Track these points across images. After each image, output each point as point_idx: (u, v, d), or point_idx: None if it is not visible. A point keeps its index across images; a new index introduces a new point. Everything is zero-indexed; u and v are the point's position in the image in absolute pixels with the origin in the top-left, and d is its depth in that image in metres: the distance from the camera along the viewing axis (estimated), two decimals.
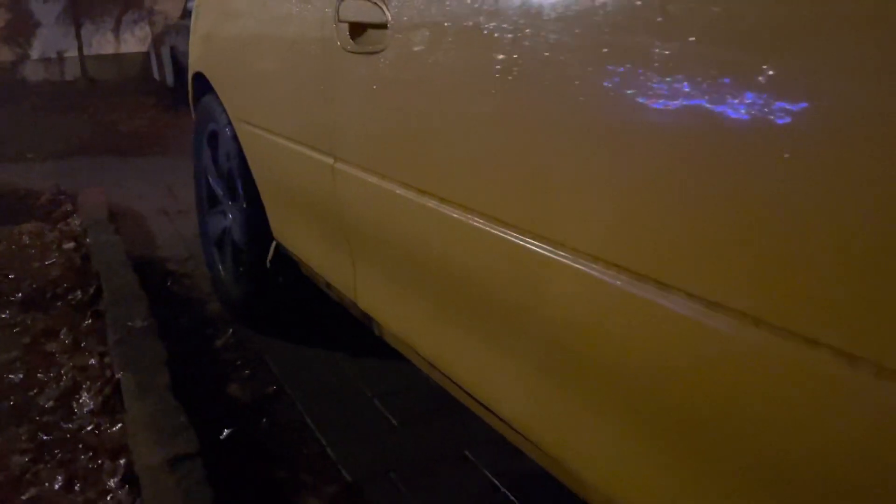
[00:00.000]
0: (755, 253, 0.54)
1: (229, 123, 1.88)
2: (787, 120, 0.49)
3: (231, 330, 2.07)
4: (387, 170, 1.10)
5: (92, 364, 1.68)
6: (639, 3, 0.62)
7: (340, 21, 1.18)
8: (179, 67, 5.87)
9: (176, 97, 6.12)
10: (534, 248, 0.79)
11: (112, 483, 1.22)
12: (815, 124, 0.49)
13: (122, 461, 1.26)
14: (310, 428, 1.58)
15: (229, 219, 2.05)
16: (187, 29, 2.31)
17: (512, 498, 1.32)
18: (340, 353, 1.90)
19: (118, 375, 1.54)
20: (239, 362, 1.89)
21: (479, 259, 0.92)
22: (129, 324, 1.80)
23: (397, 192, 1.07)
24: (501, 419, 0.97)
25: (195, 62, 2.15)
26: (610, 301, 0.70)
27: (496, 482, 1.37)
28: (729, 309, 0.56)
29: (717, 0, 0.56)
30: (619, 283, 0.67)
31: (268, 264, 1.84)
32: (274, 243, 1.81)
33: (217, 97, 1.94)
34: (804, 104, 0.49)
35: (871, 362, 0.46)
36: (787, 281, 0.52)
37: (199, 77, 2.10)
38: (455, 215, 0.93)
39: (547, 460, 0.90)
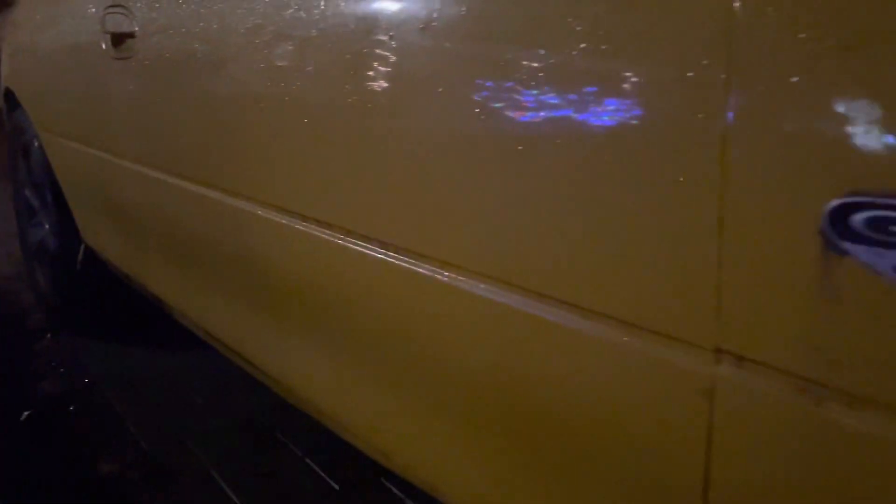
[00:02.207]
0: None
1: (36, 135, 1.97)
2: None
3: (49, 335, 2.14)
4: (147, 159, 1.27)
5: None
6: None
7: (106, 32, 1.34)
8: None
9: None
10: (258, 212, 0.97)
11: None
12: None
13: None
14: (116, 411, 1.70)
15: (45, 228, 2.13)
16: None
17: (296, 450, 1.50)
18: (154, 347, 2.02)
19: None
20: (54, 362, 1.97)
21: (217, 228, 1.10)
22: None
23: (157, 177, 1.24)
24: (261, 370, 1.15)
25: (5, 78, 2.22)
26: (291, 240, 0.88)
27: (283, 439, 1.54)
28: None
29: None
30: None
31: (78, 266, 1.94)
32: (83, 245, 1.92)
33: (24, 110, 2.03)
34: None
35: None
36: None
37: (10, 93, 2.17)
38: (195, 190, 1.12)
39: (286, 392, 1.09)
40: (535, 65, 0.53)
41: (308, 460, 1.47)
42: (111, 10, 1.31)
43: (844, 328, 0.38)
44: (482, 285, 0.61)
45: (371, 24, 0.70)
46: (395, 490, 1.34)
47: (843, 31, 0.36)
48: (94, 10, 1.43)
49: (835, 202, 0.36)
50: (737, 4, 0.40)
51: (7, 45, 2.23)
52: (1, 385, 1.74)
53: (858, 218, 0.35)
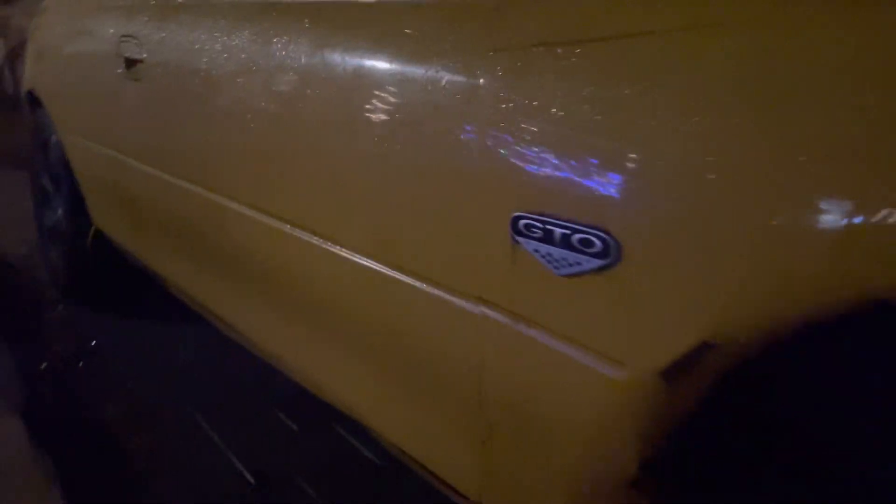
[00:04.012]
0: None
1: (55, 132, 2.29)
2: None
3: (61, 306, 2.46)
4: (148, 158, 1.59)
5: None
6: None
7: (119, 55, 1.66)
8: None
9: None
10: (218, 201, 1.30)
11: None
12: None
13: None
14: (118, 369, 2.02)
15: (58, 212, 2.45)
16: None
17: (266, 401, 1.82)
18: (152, 316, 2.33)
19: None
20: (65, 328, 2.29)
21: (201, 216, 1.43)
22: None
23: (156, 174, 1.56)
24: (236, 330, 1.48)
25: (28, 80, 2.54)
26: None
27: (256, 392, 1.86)
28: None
29: None
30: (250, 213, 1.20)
31: (89, 246, 2.26)
32: (93, 227, 2.24)
33: (45, 111, 2.35)
34: None
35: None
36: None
37: (31, 93, 2.49)
38: (174, 181, 1.44)
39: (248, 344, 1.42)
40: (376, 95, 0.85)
41: (275, 408, 1.79)
42: (125, 38, 1.63)
43: (520, 280, 0.70)
44: (362, 257, 0.93)
45: (299, 71, 1.02)
46: (342, 432, 1.67)
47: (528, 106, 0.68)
48: (112, 31, 1.75)
49: (513, 213, 0.68)
50: (481, 81, 0.72)
51: (30, 50, 2.55)
52: (23, 343, 2.07)
53: (521, 223, 0.68)
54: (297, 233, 1.05)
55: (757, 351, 0.52)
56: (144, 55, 1.54)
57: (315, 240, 1.02)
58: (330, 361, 1.14)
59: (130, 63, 1.62)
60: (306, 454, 1.62)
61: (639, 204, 0.57)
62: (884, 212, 0.43)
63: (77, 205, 2.25)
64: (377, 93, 0.87)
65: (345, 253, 0.97)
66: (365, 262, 0.93)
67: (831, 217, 0.45)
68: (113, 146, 1.81)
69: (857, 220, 0.44)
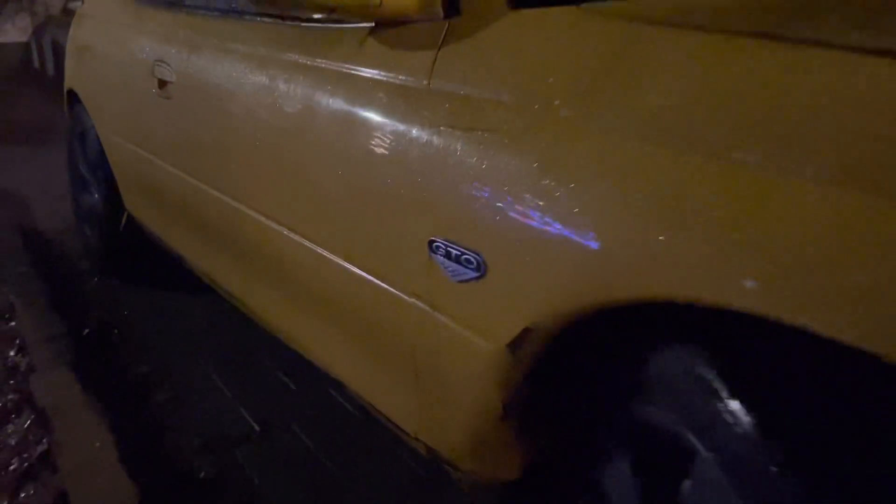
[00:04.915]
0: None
1: (93, 128, 2.64)
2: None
3: (96, 279, 2.83)
4: (175, 162, 1.94)
5: None
6: None
7: (154, 76, 2.00)
8: (60, 58, 6.33)
9: (56, 86, 6.56)
10: (227, 202, 1.65)
11: (11, 353, 2.00)
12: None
13: (16, 341, 2.04)
14: (146, 335, 2.38)
15: (95, 197, 2.80)
16: (67, 24, 2.99)
17: (271, 363, 2.18)
18: (175, 290, 2.69)
19: (11, 299, 2.30)
20: (100, 298, 2.66)
21: (212, 210, 1.77)
22: (15, 270, 2.55)
23: (177, 173, 1.91)
24: (241, 301, 1.83)
25: (68, 80, 2.87)
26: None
27: (261, 355, 2.22)
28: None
29: None
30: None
31: (121, 228, 2.62)
32: (126, 213, 2.59)
33: (84, 109, 2.69)
34: None
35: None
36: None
37: (70, 91, 2.84)
38: (194, 182, 1.79)
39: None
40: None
41: (276, 369, 2.15)
42: (158, 62, 1.97)
43: (434, 283, 1.04)
44: (337, 257, 1.28)
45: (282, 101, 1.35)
46: (331, 390, 2.02)
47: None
48: (147, 48, 2.08)
49: (430, 237, 1.02)
50: (415, 145, 1.06)
51: (71, 52, 2.88)
52: (69, 310, 2.44)
53: (434, 244, 1.02)
54: (289, 233, 1.40)
55: (561, 331, 0.86)
56: (174, 78, 1.88)
57: (304, 241, 1.37)
58: (314, 332, 1.50)
59: (162, 83, 1.96)
60: (301, 407, 1.98)
61: (496, 237, 0.91)
62: (618, 249, 0.77)
63: (112, 192, 2.60)
64: (352, 145, 1.20)
65: (324, 252, 1.32)
66: (338, 261, 1.28)
67: (585, 247, 0.79)
68: (145, 147, 2.16)
69: (603, 250, 0.78)
